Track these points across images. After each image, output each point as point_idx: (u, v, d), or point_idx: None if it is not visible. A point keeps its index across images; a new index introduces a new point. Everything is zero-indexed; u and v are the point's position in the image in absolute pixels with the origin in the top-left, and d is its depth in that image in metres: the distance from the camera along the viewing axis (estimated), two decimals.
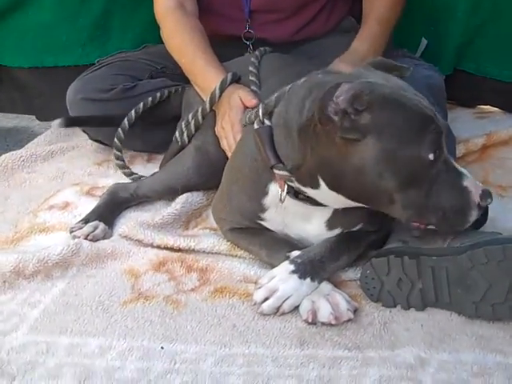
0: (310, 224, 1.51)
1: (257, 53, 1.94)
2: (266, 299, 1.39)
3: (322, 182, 1.36)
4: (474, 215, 1.32)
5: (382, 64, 1.45)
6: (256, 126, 1.46)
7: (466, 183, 1.32)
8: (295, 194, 1.43)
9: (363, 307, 1.41)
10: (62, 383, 1.26)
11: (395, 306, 1.40)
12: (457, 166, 1.34)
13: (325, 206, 1.44)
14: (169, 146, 1.99)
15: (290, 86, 1.45)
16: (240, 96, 1.75)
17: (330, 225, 1.50)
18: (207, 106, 1.83)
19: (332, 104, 1.26)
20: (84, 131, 2.19)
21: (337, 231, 1.51)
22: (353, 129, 1.27)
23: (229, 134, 1.73)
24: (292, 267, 1.41)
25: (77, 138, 2.33)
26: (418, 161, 1.27)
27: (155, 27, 2.33)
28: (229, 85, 1.81)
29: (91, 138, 2.23)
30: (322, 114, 1.28)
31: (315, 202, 1.43)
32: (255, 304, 1.41)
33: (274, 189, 1.47)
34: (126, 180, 1.99)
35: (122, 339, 1.36)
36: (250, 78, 1.81)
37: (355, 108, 1.25)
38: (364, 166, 1.28)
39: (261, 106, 1.48)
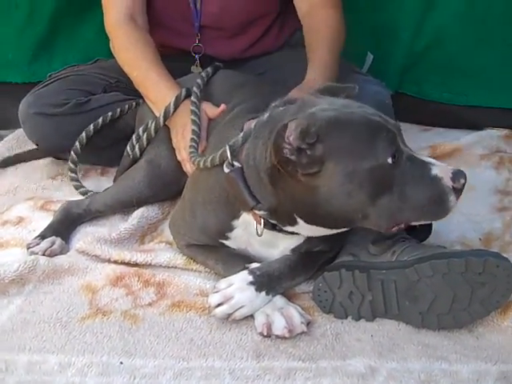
0: (276, 249, 1.55)
1: (203, 74, 1.96)
2: (220, 304, 1.43)
3: (299, 220, 1.40)
4: (452, 200, 1.33)
5: (328, 89, 1.50)
6: (226, 170, 1.46)
7: (434, 172, 1.33)
8: (272, 226, 1.46)
9: (316, 319, 1.46)
10: None
11: (346, 318, 1.46)
12: (422, 157, 1.36)
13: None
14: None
15: (254, 122, 1.46)
16: (205, 108, 1.81)
17: (295, 250, 1.55)
18: (161, 120, 1.86)
19: (286, 145, 1.30)
20: (37, 145, 2.18)
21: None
22: (311, 163, 1.31)
23: (188, 144, 1.76)
24: (251, 278, 1.45)
25: None
26: (379, 169, 1.30)
27: (100, 43, 2.39)
28: (183, 100, 1.85)
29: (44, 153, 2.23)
30: (280, 157, 1.32)
31: (293, 233, 1.48)
32: (209, 307, 1.44)
33: (247, 216, 1.50)
34: (80, 194, 2.00)
35: (81, 355, 1.38)
36: (192, 99, 1.84)
37: (307, 143, 1.29)
38: (332, 193, 1.31)
39: (227, 147, 1.46)
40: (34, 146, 2.23)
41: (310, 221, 1.39)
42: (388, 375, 1.30)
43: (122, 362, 1.36)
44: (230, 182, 1.46)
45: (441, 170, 1.33)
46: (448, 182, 1.32)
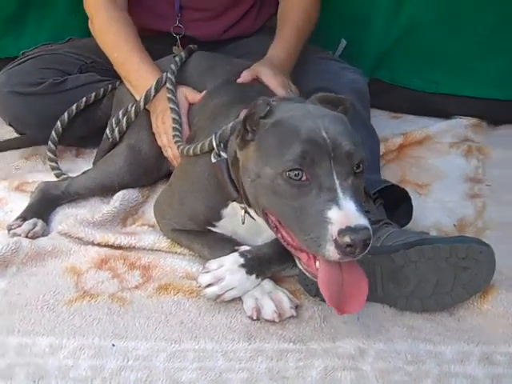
0: (260, 237, 1.56)
1: (177, 59, 1.95)
2: (210, 284, 1.45)
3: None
4: (330, 250, 1.22)
5: (326, 99, 1.45)
6: (213, 160, 1.48)
7: (332, 214, 1.22)
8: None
9: (302, 302, 1.49)
10: (16, 383, 1.27)
11: None
12: (341, 195, 1.24)
13: None
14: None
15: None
16: (185, 93, 1.81)
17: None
18: (141, 103, 1.85)
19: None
20: (10, 125, 2.14)
21: None
22: (243, 139, 1.38)
23: (169, 129, 1.77)
24: (242, 261, 1.46)
25: (1, 130, 2.27)
26: (276, 176, 1.28)
27: (71, 21, 2.40)
28: (163, 85, 1.85)
29: (18, 132, 2.18)
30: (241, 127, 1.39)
31: None
32: (199, 286, 1.46)
33: (235, 204, 1.51)
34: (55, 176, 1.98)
35: (71, 338, 1.38)
36: (167, 85, 1.83)
37: (246, 127, 1.36)
38: (243, 170, 1.38)
39: (213, 136, 1.49)
40: (5, 127, 2.20)
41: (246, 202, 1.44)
42: (376, 356, 1.35)
43: (113, 345, 1.37)
44: (217, 171, 1.48)
45: (339, 218, 1.22)
46: (333, 232, 1.21)
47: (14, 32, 2.49)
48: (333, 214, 1.22)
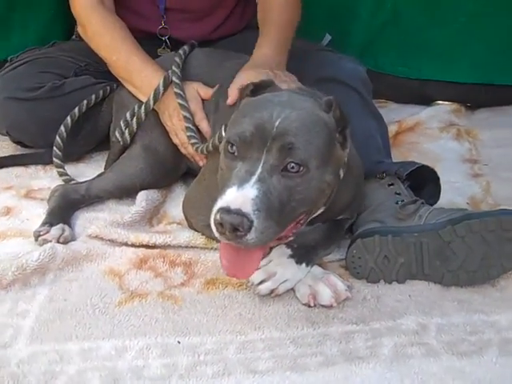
0: None
1: (180, 52, 1.93)
2: (263, 281, 1.44)
3: None
4: (213, 225, 1.24)
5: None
6: None
7: (228, 191, 1.23)
8: None
9: (352, 285, 1.52)
10: None
11: (379, 281, 1.53)
12: (252, 181, 1.23)
13: None
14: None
15: None
16: (196, 88, 1.80)
17: (310, 222, 1.51)
18: (151, 102, 1.82)
19: None
20: (7, 133, 2.07)
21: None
22: None
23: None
24: (289, 251, 1.47)
25: None
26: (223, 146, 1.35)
27: (58, 23, 2.35)
28: (171, 82, 1.83)
29: (13, 141, 2.11)
30: None
31: None
32: (252, 284, 1.46)
33: None
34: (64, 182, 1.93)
35: (134, 338, 1.36)
36: (174, 79, 1.81)
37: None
38: None
39: (222, 128, 1.52)
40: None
41: None
42: (438, 330, 1.39)
43: (179, 342, 1.35)
44: None
45: (229, 197, 1.22)
46: (216, 207, 1.24)
47: (0, 34, 2.38)
48: (229, 191, 1.23)
